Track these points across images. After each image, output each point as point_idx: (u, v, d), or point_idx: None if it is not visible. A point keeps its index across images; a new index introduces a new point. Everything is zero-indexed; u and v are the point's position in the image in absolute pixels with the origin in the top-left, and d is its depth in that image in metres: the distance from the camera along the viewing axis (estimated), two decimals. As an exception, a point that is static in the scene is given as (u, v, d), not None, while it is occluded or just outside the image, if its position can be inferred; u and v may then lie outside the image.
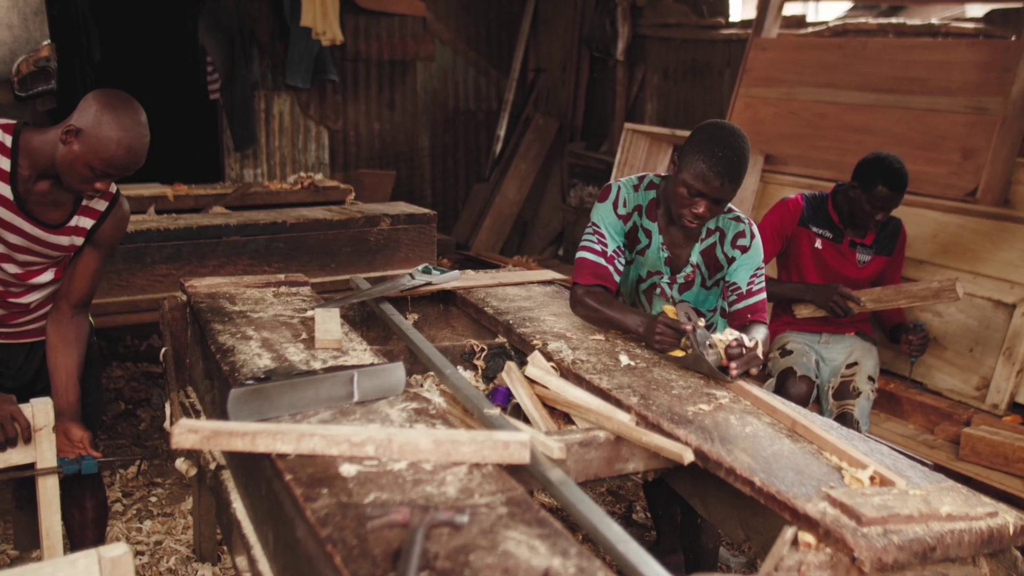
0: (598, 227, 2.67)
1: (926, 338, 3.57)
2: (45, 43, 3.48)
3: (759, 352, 2.22)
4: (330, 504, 1.51)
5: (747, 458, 1.79)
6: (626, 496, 3.82)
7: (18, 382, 2.64)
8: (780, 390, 3.39)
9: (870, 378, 3.49)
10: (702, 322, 2.31)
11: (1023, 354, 3.63)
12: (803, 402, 3.36)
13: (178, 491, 3.75)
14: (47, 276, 2.54)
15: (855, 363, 3.54)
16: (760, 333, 2.52)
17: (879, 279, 3.70)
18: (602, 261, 2.63)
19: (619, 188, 2.69)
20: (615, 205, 2.67)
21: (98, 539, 2.86)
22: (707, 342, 2.24)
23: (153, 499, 3.69)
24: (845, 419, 3.35)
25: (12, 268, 2.49)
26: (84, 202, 2.47)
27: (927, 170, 4.28)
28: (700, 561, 2.93)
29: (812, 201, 3.60)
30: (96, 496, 2.81)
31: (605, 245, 2.65)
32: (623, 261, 2.68)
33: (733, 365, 2.19)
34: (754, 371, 2.20)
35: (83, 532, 2.81)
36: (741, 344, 2.20)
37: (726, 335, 2.25)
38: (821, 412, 3.52)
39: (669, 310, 2.41)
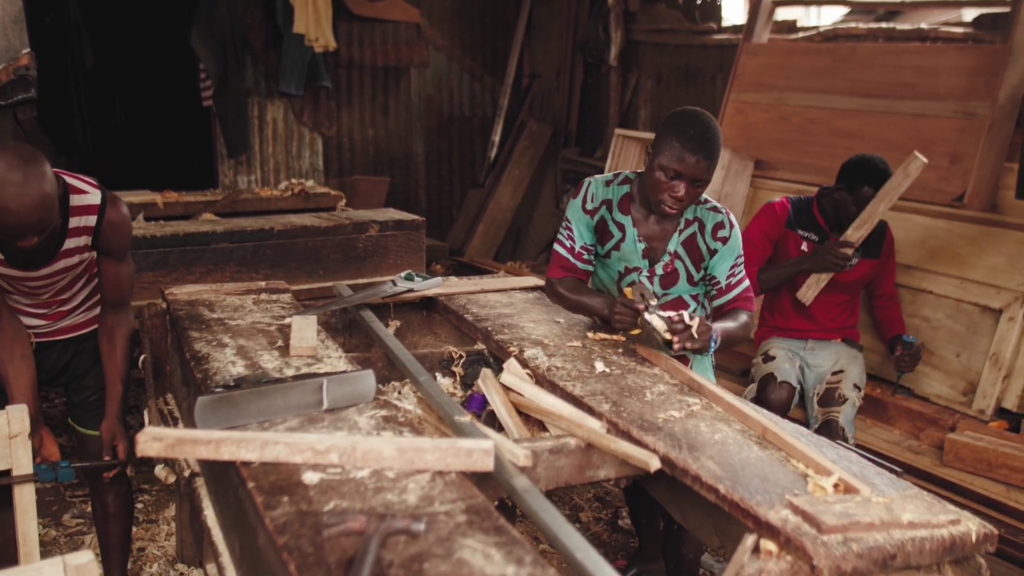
0: (569, 223, 2.77)
1: (916, 355, 3.55)
2: (25, 51, 3.49)
3: (694, 330, 2.33)
4: (289, 512, 1.51)
5: (713, 465, 1.79)
6: (612, 502, 3.81)
7: (50, 374, 2.77)
8: (761, 395, 3.38)
9: (856, 386, 3.47)
10: (654, 301, 2.44)
11: (1009, 359, 3.62)
12: (784, 407, 3.35)
13: (164, 497, 3.75)
14: (76, 286, 2.70)
15: (841, 370, 3.52)
16: (739, 318, 2.63)
17: (871, 283, 3.69)
18: (569, 257, 2.75)
19: (589, 184, 2.76)
20: (583, 200, 2.74)
21: (122, 533, 2.92)
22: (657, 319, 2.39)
23: (139, 505, 3.69)
24: (830, 426, 3.34)
25: (45, 295, 2.65)
26: (70, 224, 2.49)
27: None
28: (680, 570, 2.93)
29: (797, 204, 3.61)
30: (117, 490, 2.87)
31: (573, 240, 2.75)
32: (589, 257, 2.77)
33: (675, 339, 2.32)
34: (690, 345, 2.33)
35: (106, 527, 2.90)
36: (682, 320, 2.34)
37: (671, 312, 2.39)
38: (806, 419, 3.51)
39: (627, 291, 2.53)
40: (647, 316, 2.37)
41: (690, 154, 2.44)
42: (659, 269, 2.72)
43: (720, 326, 2.52)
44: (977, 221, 3.96)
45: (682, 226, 2.68)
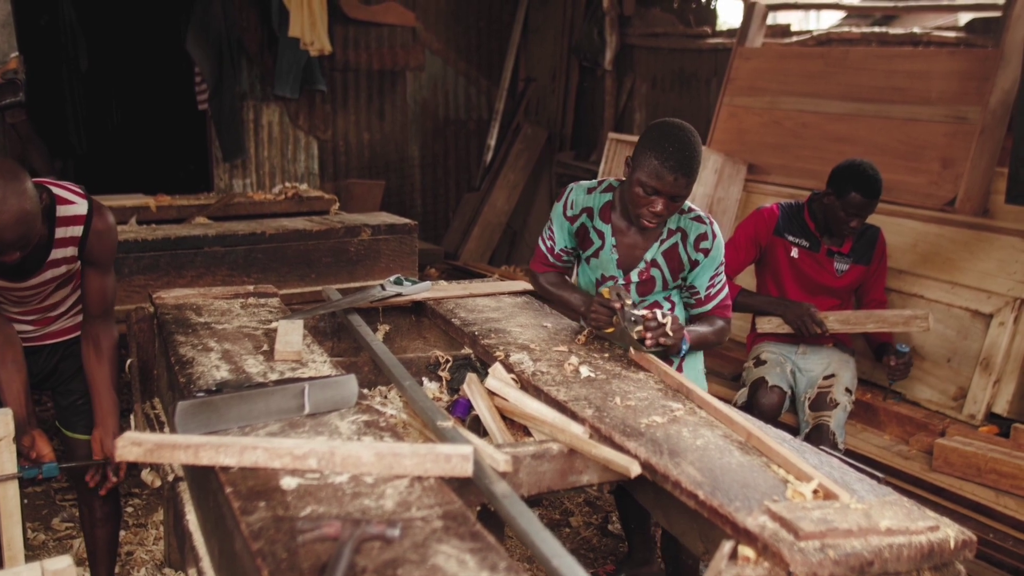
0: (551, 223, 2.84)
1: (908, 363, 3.54)
2: (13, 55, 3.50)
3: (668, 327, 2.40)
4: (265, 517, 1.51)
5: (694, 471, 1.78)
6: (603, 507, 3.81)
7: (37, 379, 2.78)
8: (752, 400, 3.38)
9: (847, 390, 3.47)
10: (629, 301, 2.48)
11: (1000, 364, 3.61)
12: (775, 412, 3.35)
13: (154, 502, 3.75)
14: (63, 293, 2.70)
15: (832, 375, 3.52)
16: (715, 324, 2.72)
17: (860, 288, 3.69)
18: (549, 256, 2.88)
19: (572, 190, 2.79)
20: (565, 206, 2.79)
21: (109, 537, 2.92)
22: (632, 319, 2.43)
23: (129, 510, 3.69)
24: (821, 431, 3.33)
25: (34, 303, 2.65)
26: (56, 235, 2.49)
27: (907, 179, 4.28)
28: (679, 574, 2.92)
29: (788, 210, 3.61)
30: (104, 494, 2.84)
31: (553, 242, 2.85)
32: (568, 259, 2.88)
33: (648, 336, 2.38)
34: (664, 341, 2.39)
35: (93, 531, 2.90)
36: (655, 318, 2.40)
37: (644, 310, 2.45)
38: (797, 423, 3.50)
39: (604, 291, 2.56)
40: (626, 318, 2.43)
41: (668, 172, 2.44)
42: (634, 276, 2.74)
43: (693, 329, 2.64)
44: (968, 226, 3.95)
45: (664, 235, 2.70)
